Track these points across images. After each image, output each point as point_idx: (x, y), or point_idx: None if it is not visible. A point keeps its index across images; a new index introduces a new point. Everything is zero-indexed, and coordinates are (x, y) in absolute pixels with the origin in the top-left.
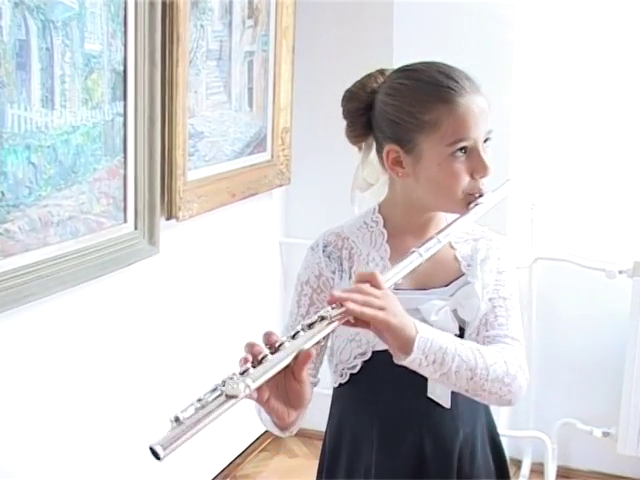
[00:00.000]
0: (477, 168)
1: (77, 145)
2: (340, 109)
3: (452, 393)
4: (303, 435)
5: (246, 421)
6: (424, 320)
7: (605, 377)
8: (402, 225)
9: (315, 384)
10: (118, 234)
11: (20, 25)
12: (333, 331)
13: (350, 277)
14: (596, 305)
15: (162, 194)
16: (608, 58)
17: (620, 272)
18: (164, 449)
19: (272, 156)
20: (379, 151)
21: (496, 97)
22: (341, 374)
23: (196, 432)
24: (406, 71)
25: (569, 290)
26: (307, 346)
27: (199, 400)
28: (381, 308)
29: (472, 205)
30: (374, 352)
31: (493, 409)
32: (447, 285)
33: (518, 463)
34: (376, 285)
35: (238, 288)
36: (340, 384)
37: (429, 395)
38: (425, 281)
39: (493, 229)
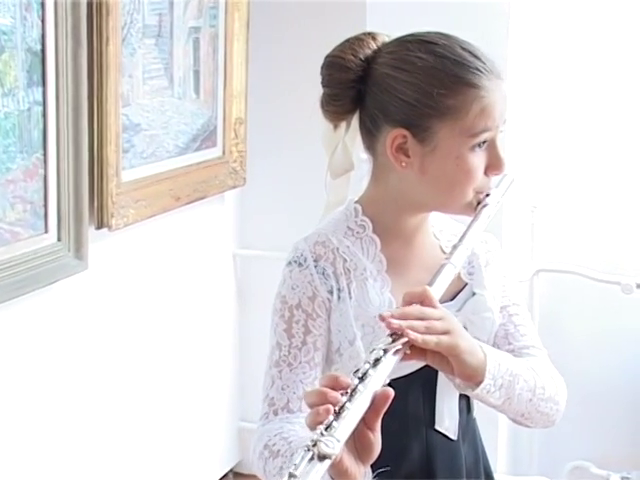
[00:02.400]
0: (494, 163)
1: None
2: (307, 95)
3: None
4: None
5: None
6: None
7: (623, 410)
8: (393, 228)
9: None
10: (37, 246)
11: None
12: (332, 362)
13: (351, 297)
14: (610, 324)
15: (91, 198)
16: (612, 51)
17: (638, 286)
18: None
19: (223, 152)
20: (370, 132)
21: None
22: None
23: None
24: (422, 42)
25: (577, 307)
26: (380, 386)
27: (294, 465)
28: (445, 332)
29: (480, 207)
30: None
31: (489, 447)
32: (452, 299)
33: None
34: (431, 305)
35: (184, 310)
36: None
37: (437, 427)
38: None
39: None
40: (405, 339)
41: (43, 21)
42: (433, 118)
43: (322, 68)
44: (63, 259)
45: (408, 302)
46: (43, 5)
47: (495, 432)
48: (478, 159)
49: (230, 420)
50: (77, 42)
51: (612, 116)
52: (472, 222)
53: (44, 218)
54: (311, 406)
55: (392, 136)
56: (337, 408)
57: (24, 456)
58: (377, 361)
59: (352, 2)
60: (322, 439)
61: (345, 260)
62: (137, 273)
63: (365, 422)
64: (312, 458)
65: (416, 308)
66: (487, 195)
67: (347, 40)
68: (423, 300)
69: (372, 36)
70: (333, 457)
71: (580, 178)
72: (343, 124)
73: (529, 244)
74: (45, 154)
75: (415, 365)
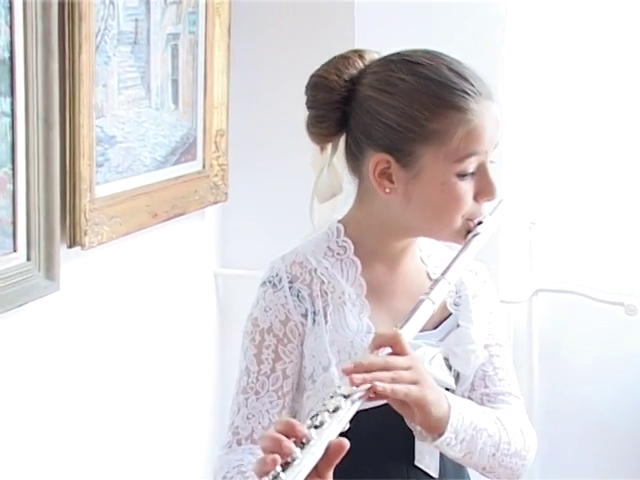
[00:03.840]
0: (484, 189)
1: None
2: (293, 105)
3: (442, 460)
4: None
5: None
6: None
7: (626, 436)
8: (376, 252)
9: None
10: (5, 266)
11: None
12: (304, 389)
13: (327, 321)
14: (613, 347)
15: (62, 215)
16: (611, 59)
17: None
18: None
19: (204, 166)
20: (354, 155)
21: None
22: None
23: None
24: (406, 62)
25: (579, 329)
26: (335, 436)
27: None
28: (414, 382)
29: (470, 236)
30: (355, 412)
31: None
32: (435, 327)
33: None
34: (401, 351)
35: (163, 332)
36: None
37: (417, 464)
38: None
39: (481, 252)
40: (368, 385)
41: (11, 27)
42: (416, 142)
43: (306, 88)
44: (33, 280)
45: (377, 345)
46: (11, 10)
47: None
48: (466, 185)
49: (211, 444)
50: (48, 49)
51: (613, 129)
52: (459, 253)
53: (12, 236)
54: (264, 451)
55: (375, 161)
56: (288, 459)
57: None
58: (336, 409)
59: (340, 8)
60: None
61: (323, 282)
62: (112, 294)
63: (317, 471)
64: None
65: (383, 359)
66: (479, 223)
67: (333, 58)
68: (393, 345)
69: (359, 54)
70: None
71: (580, 193)
72: (329, 146)
73: (527, 263)
74: (14, 168)
75: None
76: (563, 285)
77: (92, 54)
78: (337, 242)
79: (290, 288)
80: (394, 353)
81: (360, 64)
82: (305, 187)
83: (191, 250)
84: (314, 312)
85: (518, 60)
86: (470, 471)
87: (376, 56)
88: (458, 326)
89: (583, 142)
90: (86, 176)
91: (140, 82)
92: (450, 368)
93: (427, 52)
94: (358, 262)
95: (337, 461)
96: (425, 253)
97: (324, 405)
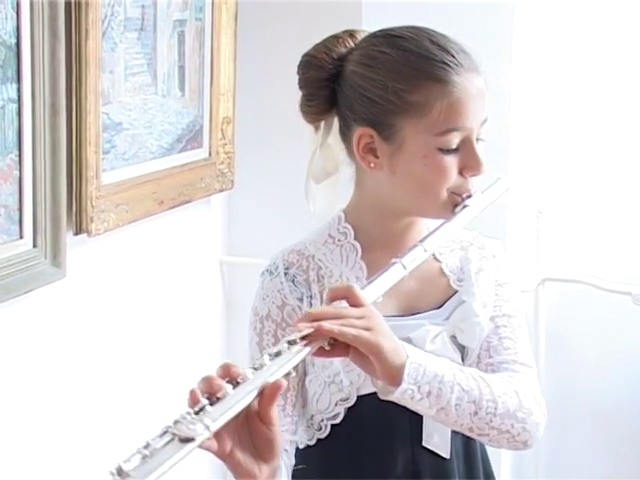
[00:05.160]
0: (469, 164)
1: None
2: (299, 93)
3: (452, 441)
4: None
5: None
6: None
7: (633, 425)
8: (376, 235)
9: (297, 440)
10: (12, 253)
11: None
12: (305, 374)
13: (322, 303)
14: (620, 337)
15: (69, 202)
16: (621, 52)
17: None
18: None
19: (210, 153)
20: (344, 133)
21: (492, 83)
22: (319, 427)
23: None
24: (388, 37)
25: (586, 319)
26: (273, 378)
27: (146, 447)
28: (366, 328)
29: (459, 208)
30: (359, 397)
31: (493, 462)
32: (440, 307)
33: None
34: (355, 302)
35: (168, 320)
36: (319, 440)
37: (425, 444)
38: (413, 304)
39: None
40: (314, 328)
41: (18, 13)
42: (396, 115)
43: (297, 67)
44: (39, 266)
45: (332, 298)
46: None
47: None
48: (449, 158)
49: None
50: (54, 36)
51: (621, 118)
52: (441, 224)
53: (19, 223)
54: (201, 383)
55: (358, 135)
56: (219, 394)
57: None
58: (278, 354)
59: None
60: (183, 421)
61: (320, 268)
62: (118, 281)
63: (260, 416)
64: (171, 440)
65: (334, 308)
66: (468, 196)
67: (325, 38)
68: (348, 297)
69: (350, 33)
70: (196, 441)
71: (588, 182)
72: (322, 125)
73: (534, 252)
74: (20, 155)
75: None
76: (570, 274)
77: (99, 40)
78: (338, 229)
79: (286, 274)
80: (351, 305)
81: (350, 43)
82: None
83: (197, 238)
84: (310, 296)
85: (526, 53)
86: (488, 449)
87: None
88: (463, 302)
89: (590, 132)
90: (92, 163)
91: (147, 69)
92: (458, 346)
93: (412, 27)
94: (358, 246)
95: (274, 402)
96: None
97: (267, 352)
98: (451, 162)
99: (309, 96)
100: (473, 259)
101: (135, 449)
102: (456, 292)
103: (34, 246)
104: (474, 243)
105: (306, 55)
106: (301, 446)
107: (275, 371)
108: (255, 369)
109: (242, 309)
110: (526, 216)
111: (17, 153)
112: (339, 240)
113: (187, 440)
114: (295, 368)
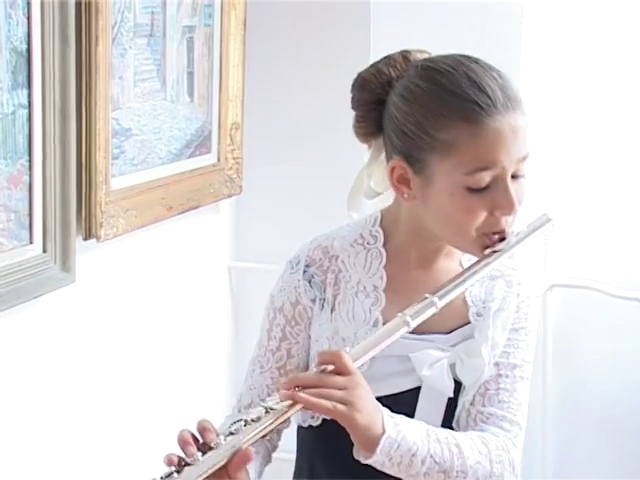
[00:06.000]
0: (500, 204)
1: None
2: (307, 99)
3: None
4: None
5: None
6: (412, 370)
7: None
8: (405, 249)
9: (285, 427)
10: (22, 258)
11: None
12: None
13: (333, 309)
14: (628, 343)
15: (79, 207)
16: (631, 56)
17: None
18: None
19: (219, 159)
20: (387, 158)
21: None
22: (313, 415)
23: None
24: (428, 69)
25: (594, 325)
26: (246, 445)
27: None
28: (343, 402)
29: (488, 251)
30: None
31: None
32: (449, 332)
33: None
34: (341, 369)
35: (177, 325)
36: (310, 426)
37: None
38: (424, 323)
39: None
40: (292, 403)
41: (29, 19)
42: (426, 151)
43: (351, 87)
44: (49, 271)
45: (319, 363)
46: (29, 2)
47: None
48: (478, 198)
49: None
50: (65, 42)
51: (632, 123)
52: (465, 271)
53: (29, 228)
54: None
55: (392, 165)
56: (189, 460)
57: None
58: (256, 419)
59: (356, 3)
60: None
61: (340, 270)
62: (127, 286)
63: (228, 474)
64: None
65: (317, 375)
66: (501, 239)
67: (382, 58)
68: (334, 363)
69: (404, 55)
70: None
71: (596, 187)
72: (373, 144)
73: (542, 257)
74: (30, 160)
75: (397, 387)
76: (578, 280)
77: (108, 46)
78: (370, 231)
79: (305, 272)
80: (336, 372)
81: (403, 65)
82: (319, 181)
83: (205, 243)
84: (323, 299)
85: (535, 57)
86: None
87: (424, 56)
88: (473, 337)
89: (600, 137)
90: (102, 168)
91: (156, 75)
92: (454, 375)
93: (453, 58)
94: (384, 254)
95: (242, 469)
96: (467, 256)
97: (249, 413)
98: (479, 201)
99: (359, 117)
100: (497, 296)
101: None
102: (470, 322)
103: (44, 251)
104: (504, 275)
105: (359, 75)
106: (303, 425)
107: (247, 439)
108: (231, 433)
109: (250, 314)
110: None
111: (27, 158)
112: (368, 243)
113: None
114: (271, 432)
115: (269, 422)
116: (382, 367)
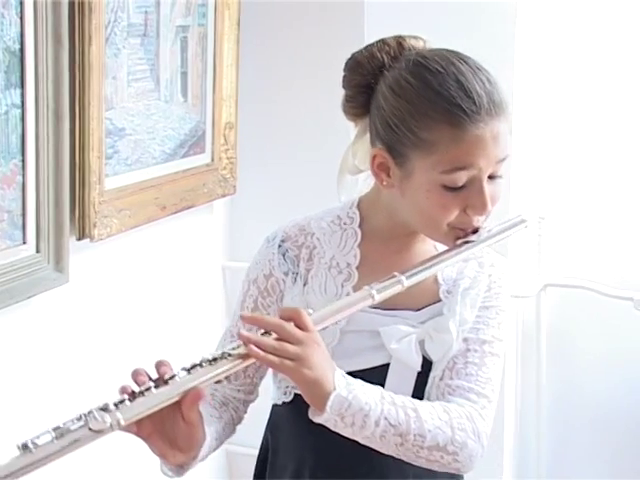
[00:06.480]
0: (474, 203)
1: None
2: (301, 99)
3: None
4: None
5: None
6: (382, 346)
7: (635, 432)
8: (380, 231)
9: (252, 401)
10: (15, 258)
11: None
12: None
13: (305, 283)
14: (622, 343)
15: (72, 207)
16: (624, 56)
17: None
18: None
19: (212, 159)
20: (371, 142)
21: None
22: (285, 392)
23: (46, 463)
24: (418, 65)
25: (587, 325)
26: (199, 384)
27: (57, 428)
28: (293, 357)
29: (460, 241)
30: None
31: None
32: (419, 309)
33: None
34: (301, 325)
35: (171, 325)
36: (284, 402)
37: None
38: (394, 300)
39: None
40: (245, 351)
41: (22, 19)
42: (408, 147)
43: (344, 66)
44: (42, 272)
45: (282, 317)
46: (22, 2)
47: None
48: (453, 196)
49: None
50: (58, 41)
51: (624, 123)
52: (436, 256)
53: (22, 228)
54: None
55: (373, 153)
56: (142, 389)
57: None
58: (213, 361)
59: (350, 3)
60: (98, 413)
61: (315, 247)
62: (120, 286)
63: (181, 414)
64: (82, 427)
65: (279, 321)
66: (474, 231)
67: (376, 41)
68: (294, 318)
69: (398, 42)
70: (104, 433)
71: (590, 187)
72: (360, 123)
73: (536, 257)
74: (24, 160)
75: (367, 363)
76: (572, 280)
77: (102, 46)
78: (347, 213)
79: (279, 247)
80: (298, 326)
81: (396, 52)
82: (314, 180)
83: (199, 243)
84: (296, 273)
85: (528, 57)
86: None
87: (419, 44)
88: (442, 314)
89: (593, 137)
90: (95, 168)
91: (149, 74)
92: (424, 351)
93: (445, 57)
94: (359, 234)
95: (194, 408)
96: None
97: (211, 354)
98: (454, 200)
99: (348, 97)
100: (467, 275)
101: (48, 428)
102: (440, 301)
103: (37, 251)
104: (477, 257)
105: (353, 56)
106: (277, 402)
107: (201, 379)
108: (188, 371)
109: None
110: (528, 222)
111: (20, 158)
112: (344, 223)
113: (95, 431)
114: (227, 378)
115: (225, 367)
116: (353, 342)
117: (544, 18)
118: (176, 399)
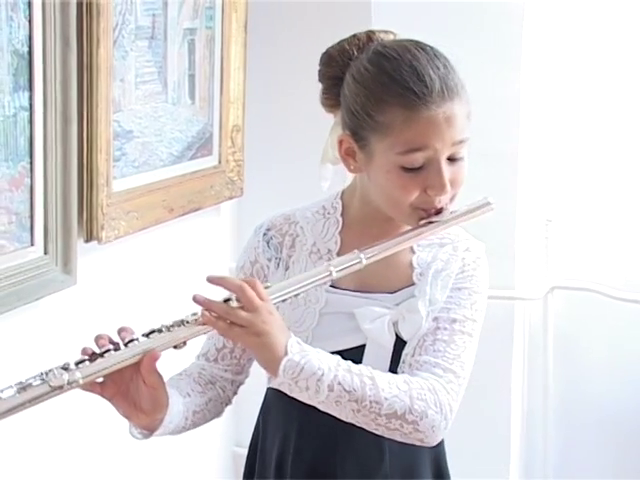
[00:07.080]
0: (432, 184)
1: None
2: (308, 101)
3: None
4: None
5: None
6: (358, 328)
7: None
8: (358, 217)
9: (241, 381)
10: (23, 260)
11: None
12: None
13: (287, 268)
14: (629, 346)
15: (80, 209)
16: (630, 51)
17: None
18: None
19: (220, 161)
20: (342, 130)
21: (502, 92)
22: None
23: (8, 416)
24: (377, 53)
25: (595, 327)
26: (156, 348)
27: (20, 384)
28: (242, 324)
29: (423, 222)
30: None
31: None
32: (395, 292)
33: None
34: (257, 293)
35: None
36: (270, 387)
37: None
38: (370, 283)
39: (497, 249)
40: (199, 316)
41: (30, 22)
42: (367, 131)
43: (319, 61)
44: (50, 274)
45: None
46: (30, 5)
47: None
48: (412, 176)
49: (225, 445)
50: (66, 44)
51: (631, 126)
52: (404, 232)
53: (30, 230)
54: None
55: (339, 139)
56: (102, 351)
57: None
58: (171, 327)
59: (357, 5)
60: (58, 371)
61: (298, 235)
62: (128, 288)
63: (143, 378)
64: (43, 384)
65: (240, 284)
66: (438, 212)
67: (346, 38)
68: (254, 288)
69: (368, 35)
70: (63, 389)
71: (597, 190)
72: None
73: (543, 260)
74: (32, 162)
75: (342, 344)
76: (579, 282)
77: (110, 49)
78: (332, 203)
79: (264, 235)
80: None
81: (365, 45)
82: (320, 183)
83: (206, 245)
84: (279, 259)
85: (536, 57)
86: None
87: (389, 37)
88: (413, 296)
89: (600, 139)
90: (103, 171)
91: (157, 77)
92: (398, 333)
93: (402, 45)
94: (341, 222)
95: (151, 369)
96: None
97: (163, 324)
98: (413, 180)
99: (324, 90)
100: (440, 258)
101: (10, 383)
102: (414, 284)
103: (45, 253)
104: (453, 242)
105: (326, 51)
106: (269, 385)
107: (159, 343)
108: (147, 336)
109: None
110: (535, 224)
111: (29, 161)
112: (328, 213)
113: (55, 387)
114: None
115: (183, 334)
116: (331, 324)
117: (551, 18)
118: (133, 361)
